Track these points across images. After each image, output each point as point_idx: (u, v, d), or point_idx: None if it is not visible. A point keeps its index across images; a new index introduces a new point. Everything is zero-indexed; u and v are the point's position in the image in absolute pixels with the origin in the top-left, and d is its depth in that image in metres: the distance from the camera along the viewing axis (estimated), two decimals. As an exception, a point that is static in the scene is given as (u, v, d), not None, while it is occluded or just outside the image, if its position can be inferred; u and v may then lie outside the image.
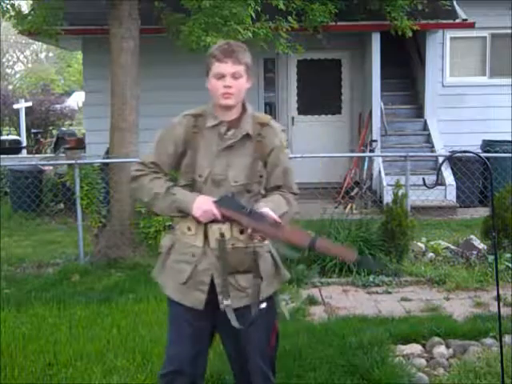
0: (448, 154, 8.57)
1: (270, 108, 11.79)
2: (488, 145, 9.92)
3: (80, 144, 13.62)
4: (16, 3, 8.25)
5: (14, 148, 17.07)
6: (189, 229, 2.66)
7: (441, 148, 10.07)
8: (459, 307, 5.28)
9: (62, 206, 9.87)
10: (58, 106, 21.01)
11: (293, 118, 11.71)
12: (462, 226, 8.42)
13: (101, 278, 6.08)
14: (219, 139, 2.65)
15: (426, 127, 10.86)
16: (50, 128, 20.93)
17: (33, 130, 19.36)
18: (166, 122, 2.80)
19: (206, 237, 2.64)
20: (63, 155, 12.04)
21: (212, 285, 2.65)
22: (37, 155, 15.72)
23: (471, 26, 10.33)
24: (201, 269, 2.65)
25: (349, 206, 9.51)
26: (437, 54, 11.02)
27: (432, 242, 6.96)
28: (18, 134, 19.29)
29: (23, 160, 13.81)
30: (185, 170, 2.69)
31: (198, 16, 7.44)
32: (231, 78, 2.60)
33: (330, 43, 10.25)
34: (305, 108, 11.76)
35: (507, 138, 10.08)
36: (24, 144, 18.07)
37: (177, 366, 2.72)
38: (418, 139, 10.83)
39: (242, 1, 7.38)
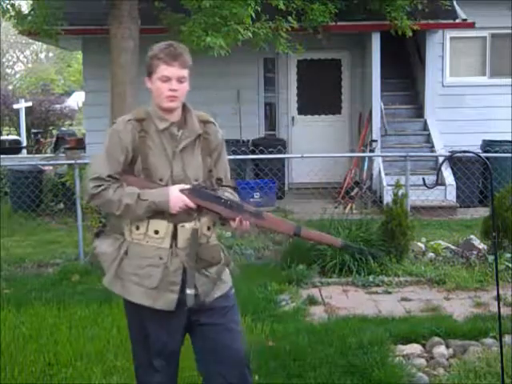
0: (448, 153, 8.57)
1: (270, 108, 11.79)
2: (488, 145, 9.92)
3: (80, 144, 13.60)
4: (16, 3, 8.26)
5: (14, 148, 17.06)
6: (156, 232, 2.63)
7: (441, 148, 10.07)
8: (459, 307, 5.27)
9: (61, 205, 9.86)
10: (58, 106, 21.00)
11: (293, 118, 11.71)
12: (462, 226, 8.42)
13: (101, 278, 6.01)
14: (172, 141, 2.66)
15: (426, 127, 10.86)
16: (50, 128, 20.92)
17: (33, 130, 19.35)
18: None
19: (173, 238, 2.64)
20: (63, 155, 12.05)
21: (182, 284, 2.65)
22: (37, 155, 15.71)
23: (471, 25, 10.34)
24: (172, 269, 2.64)
25: (349, 206, 9.50)
26: (437, 54, 11.03)
27: (432, 242, 6.96)
28: (18, 134, 19.28)
29: (23, 160, 13.80)
30: (139, 175, 2.65)
31: (198, 16, 7.45)
32: (177, 82, 2.62)
33: (330, 43, 10.25)
34: (305, 108, 11.76)
35: (507, 137, 10.08)
36: (24, 144, 18.06)
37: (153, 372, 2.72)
38: (418, 139, 10.83)
39: (242, 1, 7.38)
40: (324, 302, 5.51)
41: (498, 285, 3.35)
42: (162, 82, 2.62)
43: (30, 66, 33.21)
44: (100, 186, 2.61)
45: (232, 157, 7.64)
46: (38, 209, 9.45)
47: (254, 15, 7.54)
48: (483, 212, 8.74)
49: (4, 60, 30.74)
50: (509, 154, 8.53)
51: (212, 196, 2.63)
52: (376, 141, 10.36)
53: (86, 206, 6.77)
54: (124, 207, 2.59)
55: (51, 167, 10.38)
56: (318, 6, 9.32)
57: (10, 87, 26.48)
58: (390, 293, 5.73)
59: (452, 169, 9.82)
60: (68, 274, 6.32)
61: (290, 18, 8.44)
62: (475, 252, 6.55)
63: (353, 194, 9.90)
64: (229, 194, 2.75)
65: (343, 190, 10.11)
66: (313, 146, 10.82)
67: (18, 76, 31.76)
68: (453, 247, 6.91)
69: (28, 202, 9.31)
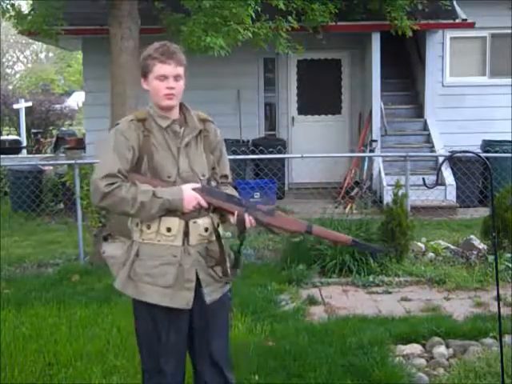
0: (448, 153, 8.57)
1: (270, 108, 11.80)
2: (488, 145, 9.92)
3: (80, 144, 13.61)
4: (16, 3, 8.24)
5: (14, 148, 17.06)
6: (168, 230, 2.63)
7: (441, 148, 10.07)
8: (459, 307, 5.28)
9: (61, 205, 9.87)
10: (58, 106, 21.01)
11: (293, 118, 11.71)
12: (462, 226, 8.42)
13: (101, 277, 6.07)
14: (175, 138, 2.69)
15: (426, 127, 10.86)
16: (50, 128, 20.92)
17: (33, 130, 19.35)
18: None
19: (185, 235, 2.65)
20: (63, 155, 12.05)
21: (196, 281, 2.67)
22: (37, 155, 15.72)
23: (471, 25, 10.34)
24: (186, 267, 2.65)
25: (349, 206, 9.51)
26: (437, 54, 11.03)
27: (432, 242, 6.96)
28: (18, 134, 19.28)
29: (23, 160, 13.80)
30: (146, 174, 2.65)
31: (198, 16, 7.44)
32: (173, 80, 2.65)
33: (330, 43, 10.26)
34: (305, 108, 11.76)
35: (507, 137, 10.08)
36: (24, 144, 18.06)
37: (162, 374, 2.72)
38: (418, 139, 10.83)
39: (242, 1, 7.38)
40: (324, 302, 5.51)
41: (497, 285, 3.35)
42: (159, 80, 2.64)
43: (29, 66, 33.21)
44: (112, 184, 2.56)
45: (232, 157, 7.65)
46: (38, 209, 9.44)
47: (253, 15, 7.53)
48: (483, 212, 8.74)
49: (4, 60, 30.73)
50: (509, 154, 8.54)
51: (224, 194, 2.67)
52: (376, 141, 10.36)
53: (85, 205, 6.77)
54: (139, 205, 2.56)
55: (51, 167, 10.38)
56: (318, 6, 9.32)
57: (10, 87, 26.48)
58: (390, 293, 5.73)
59: (452, 169, 9.83)
60: (68, 273, 6.33)
61: (289, 17, 8.43)
62: (475, 252, 6.55)
63: (353, 194, 9.90)
64: (233, 192, 2.79)
65: (343, 189, 10.11)
66: (313, 146, 10.83)
67: (18, 76, 31.76)
68: (453, 247, 6.91)
69: (28, 202, 9.32)
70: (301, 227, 2.66)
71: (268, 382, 3.84)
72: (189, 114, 2.76)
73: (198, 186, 2.64)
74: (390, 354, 4.15)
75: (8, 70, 31.64)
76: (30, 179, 9.47)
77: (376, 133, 10.46)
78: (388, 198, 8.38)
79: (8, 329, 4.76)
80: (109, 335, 4.59)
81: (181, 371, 2.78)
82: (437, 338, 4.42)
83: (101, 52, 9.17)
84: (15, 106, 18.91)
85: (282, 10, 8.17)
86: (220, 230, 2.75)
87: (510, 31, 10.90)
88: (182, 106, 2.76)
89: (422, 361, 4.17)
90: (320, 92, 11.66)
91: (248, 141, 11.02)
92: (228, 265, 2.78)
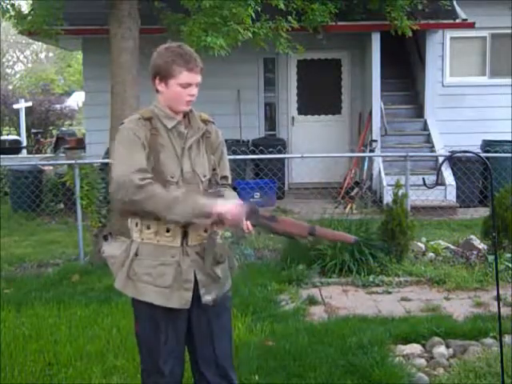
0: (448, 153, 8.57)
1: (270, 108, 11.80)
2: (488, 145, 9.92)
3: (80, 144, 13.63)
4: (16, 3, 8.24)
5: (14, 148, 17.07)
6: (167, 230, 2.63)
7: (441, 148, 10.07)
8: (459, 307, 5.28)
9: (62, 205, 9.87)
10: (58, 106, 21.02)
11: (293, 118, 11.71)
12: (462, 226, 8.42)
13: (101, 277, 6.07)
14: (180, 139, 2.69)
15: (426, 127, 10.86)
16: (50, 128, 20.94)
17: (33, 130, 19.37)
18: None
19: (184, 236, 2.65)
20: (63, 155, 12.05)
21: (195, 282, 2.67)
22: (37, 155, 15.73)
23: (471, 26, 10.34)
24: (185, 267, 2.65)
25: (349, 206, 9.51)
26: (437, 54, 11.03)
27: (432, 242, 6.96)
28: (18, 134, 19.30)
29: (23, 160, 13.82)
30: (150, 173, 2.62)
31: (198, 16, 7.44)
32: (195, 87, 2.68)
33: (330, 43, 10.26)
34: (305, 108, 11.77)
35: (507, 137, 10.08)
36: (24, 144, 18.07)
37: (161, 374, 2.71)
38: (418, 139, 10.83)
39: (242, 1, 7.38)
40: (324, 302, 5.51)
41: (498, 285, 3.35)
42: (182, 87, 2.64)
43: (29, 66, 33.23)
44: (144, 179, 2.51)
45: (232, 157, 7.65)
46: (38, 209, 9.45)
47: (253, 15, 7.53)
48: (483, 212, 8.74)
49: (4, 60, 30.74)
50: (509, 154, 8.53)
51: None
52: (376, 141, 10.36)
53: (85, 205, 6.78)
54: (172, 200, 2.50)
55: (51, 167, 10.39)
56: (318, 6, 9.32)
57: (10, 87, 26.49)
58: (390, 293, 5.73)
59: (452, 169, 9.83)
60: (68, 273, 6.33)
61: (289, 17, 8.44)
62: (475, 252, 6.55)
63: (353, 194, 9.90)
64: (233, 195, 2.80)
65: (343, 190, 10.11)
66: (313, 146, 10.83)
67: (18, 76, 31.77)
68: (453, 247, 6.91)
69: (28, 202, 9.32)
70: (304, 230, 2.65)
71: (268, 382, 3.84)
72: (192, 115, 2.76)
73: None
74: (390, 354, 4.15)
75: (8, 70, 31.65)
76: (30, 179, 9.47)
77: (376, 133, 10.47)
78: (388, 197, 8.38)
79: (8, 329, 4.76)
80: (109, 335, 4.59)
81: (179, 371, 2.78)
82: (437, 338, 4.42)
83: (101, 52, 9.17)
84: (15, 106, 18.92)
85: (282, 10, 8.18)
86: (219, 229, 2.75)
87: (510, 31, 10.90)
88: None
89: (422, 361, 4.17)
90: (320, 92, 11.66)
91: (248, 141, 11.03)
92: (227, 265, 2.78)
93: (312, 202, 9.42)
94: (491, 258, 6.18)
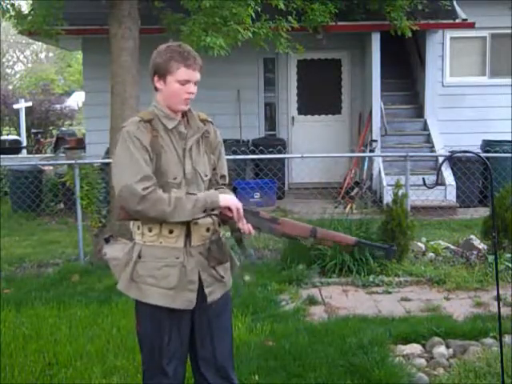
0: (448, 153, 8.57)
1: (270, 108, 11.80)
2: (488, 145, 9.92)
3: (80, 144, 13.62)
4: (16, 3, 8.24)
5: (14, 148, 17.07)
6: (170, 231, 2.63)
7: (441, 148, 10.07)
8: (459, 307, 5.28)
9: (62, 205, 9.87)
10: (57, 106, 21.02)
11: (293, 118, 11.71)
12: (462, 226, 8.42)
13: (101, 278, 6.07)
14: (181, 139, 2.69)
15: (426, 127, 10.86)
16: (50, 128, 20.94)
17: (33, 130, 19.37)
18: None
19: (187, 236, 2.65)
20: (63, 155, 12.06)
21: (198, 282, 2.68)
22: (37, 155, 15.73)
23: (471, 26, 10.34)
24: (189, 268, 2.65)
25: (349, 206, 9.51)
26: (437, 54, 11.03)
27: (432, 242, 6.96)
28: (18, 134, 19.30)
29: (23, 160, 13.82)
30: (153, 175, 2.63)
31: (198, 16, 7.44)
32: (194, 85, 2.66)
33: (330, 43, 10.26)
34: (305, 108, 11.77)
35: (507, 137, 10.08)
36: (24, 144, 18.07)
37: (164, 376, 2.71)
38: (418, 139, 10.83)
39: (242, 1, 7.38)
40: (324, 302, 5.51)
41: (498, 285, 3.35)
42: (181, 84, 2.62)
43: (30, 66, 33.23)
44: (148, 187, 2.52)
45: (232, 157, 7.67)
46: (38, 209, 9.45)
47: (254, 15, 7.53)
48: (483, 212, 8.74)
49: (4, 60, 30.75)
50: (509, 154, 8.53)
51: None
52: (376, 141, 10.36)
53: (85, 205, 6.78)
54: (174, 202, 2.52)
55: (51, 167, 10.39)
56: (318, 6, 9.32)
57: (10, 87, 26.49)
58: (390, 293, 5.73)
59: (452, 169, 9.83)
60: (68, 274, 6.33)
61: (289, 17, 8.43)
62: (475, 252, 6.55)
63: (353, 194, 9.90)
64: (232, 195, 2.79)
65: (343, 190, 10.11)
66: (313, 146, 10.84)
67: (18, 76, 31.78)
68: (453, 247, 6.91)
69: (28, 201, 9.32)
70: (305, 232, 2.65)
71: (268, 382, 3.84)
72: (191, 115, 2.75)
73: None
74: (390, 354, 4.15)
75: (8, 70, 31.66)
76: (30, 179, 9.47)
77: (376, 133, 10.47)
78: (388, 197, 8.38)
79: (8, 329, 4.76)
80: (109, 335, 4.59)
81: (182, 372, 2.78)
82: (437, 338, 4.42)
83: (101, 52, 9.18)
84: (15, 106, 18.92)
85: (282, 10, 8.17)
86: (221, 229, 2.75)
87: (510, 31, 10.90)
88: None
89: (422, 361, 4.17)
90: (320, 92, 11.66)
91: (248, 141, 11.03)
92: (229, 265, 2.79)
93: (312, 202, 9.42)
94: (491, 257, 6.18)
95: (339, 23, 9.95)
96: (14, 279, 6.30)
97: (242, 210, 2.62)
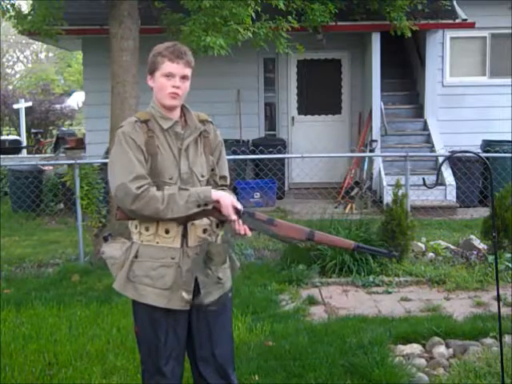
0: (448, 153, 8.57)
1: (270, 108, 11.80)
2: (488, 145, 9.92)
3: (80, 144, 13.63)
4: (16, 3, 8.24)
5: (14, 148, 17.07)
6: (167, 231, 2.63)
7: (441, 148, 10.07)
8: (459, 307, 5.28)
9: (61, 205, 9.87)
10: (57, 106, 21.02)
11: (293, 118, 11.71)
12: (462, 226, 8.42)
13: (101, 278, 6.07)
14: (177, 139, 2.68)
15: (426, 127, 10.86)
16: (50, 128, 20.94)
17: (33, 130, 19.37)
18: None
19: (183, 237, 2.65)
20: (63, 155, 12.06)
21: (195, 283, 2.67)
22: (37, 155, 15.73)
23: (471, 26, 10.34)
24: (185, 269, 2.65)
25: (349, 206, 9.52)
26: (437, 53, 11.02)
27: (432, 242, 6.96)
28: (18, 134, 19.30)
29: (23, 160, 13.82)
30: (149, 175, 2.63)
31: (198, 16, 7.44)
32: (180, 79, 2.64)
33: (330, 43, 10.26)
34: (305, 108, 11.77)
35: (507, 137, 10.08)
36: (24, 144, 18.07)
37: (162, 375, 2.71)
38: (418, 139, 10.83)
39: (242, 1, 7.37)
40: (324, 302, 5.51)
41: (497, 285, 3.35)
42: (166, 78, 2.63)
43: (30, 66, 33.22)
44: (142, 186, 2.54)
45: (232, 157, 7.67)
46: (38, 209, 9.44)
47: (254, 15, 7.53)
48: (483, 212, 8.74)
49: (4, 60, 30.74)
50: (509, 154, 8.53)
51: None
52: (376, 141, 10.36)
53: (85, 205, 6.78)
54: (168, 198, 2.53)
55: (51, 167, 10.38)
56: (318, 6, 9.32)
57: (10, 87, 26.48)
58: (390, 293, 5.73)
59: (452, 169, 9.83)
60: (68, 273, 6.33)
61: (289, 17, 8.43)
62: (475, 252, 6.55)
63: (353, 194, 9.90)
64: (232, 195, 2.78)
65: (343, 190, 10.11)
66: (313, 146, 10.84)
67: (18, 76, 31.77)
68: (453, 247, 6.91)
69: (28, 201, 9.32)
70: (302, 235, 2.64)
71: (268, 382, 3.84)
72: (189, 115, 2.75)
73: None
74: (390, 354, 4.15)
75: (8, 70, 31.65)
76: (30, 179, 9.47)
77: (376, 133, 10.47)
78: (388, 197, 8.38)
79: (8, 329, 4.76)
80: (109, 335, 4.59)
81: (180, 372, 2.78)
82: (437, 338, 4.42)
83: (101, 52, 9.18)
84: (15, 106, 18.92)
85: (282, 10, 8.17)
86: (219, 230, 2.74)
87: (510, 31, 10.90)
88: (182, 106, 2.75)
89: (422, 361, 4.17)
90: (320, 92, 11.65)
91: (248, 141, 11.03)
92: (228, 265, 2.78)
93: (312, 202, 9.41)
94: (491, 258, 6.18)
95: (339, 23, 9.95)
96: (14, 279, 6.30)
97: (231, 208, 2.58)
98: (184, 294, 2.64)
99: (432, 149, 10.41)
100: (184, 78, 2.65)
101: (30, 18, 8.21)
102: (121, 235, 2.76)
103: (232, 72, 10.94)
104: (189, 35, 7.31)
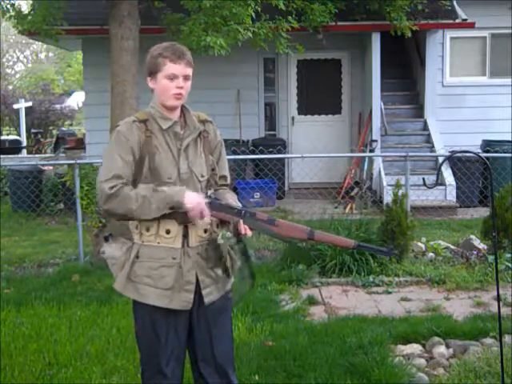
0: (448, 153, 8.57)
1: (270, 108, 11.79)
2: (488, 145, 9.92)
3: (80, 144, 13.62)
4: (16, 3, 8.24)
5: (14, 148, 17.07)
6: (167, 232, 2.63)
7: (441, 148, 10.08)
8: (459, 307, 5.28)
9: (62, 205, 9.87)
10: (57, 106, 21.02)
11: (293, 118, 11.71)
12: (462, 226, 8.42)
13: (101, 278, 6.07)
14: (176, 139, 2.68)
15: (426, 127, 10.86)
16: (50, 128, 20.94)
17: (33, 130, 19.37)
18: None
19: (184, 237, 2.64)
20: (63, 155, 12.06)
21: (196, 283, 2.67)
22: (37, 155, 15.73)
23: (471, 26, 10.34)
24: (186, 269, 2.65)
25: (349, 206, 9.51)
26: (437, 53, 11.02)
27: (432, 242, 6.95)
28: (18, 134, 19.30)
29: (23, 160, 13.82)
30: (146, 175, 2.63)
31: (198, 16, 7.44)
32: (183, 80, 2.64)
33: (330, 43, 10.25)
34: (305, 108, 11.77)
35: (507, 137, 10.08)
36: (24, 144, 18.07)
37: (162, 376, 2.71)
38: (418, 139, 10.83)
39: (242, 1, 7.38)
40: (324, 302, 5.51)
41: (497, 285, 3.35)
42: (169, 80, 2.63)
43: (30, 66, 33.22)
44: (115, 186, 2.55)
45: (232, 157, 7.67)
46: (38, 209, 9.44)
47: (254, 15, 7.54)
48: (483, 212, 8.74)
49: (4, 60, 30.74)
50: (509, 154, 8.54)
51: (223, 206, 2.64)
52: (376, 141, 10.36)
53: (85, 206, 6.78)
54: (141, 199, 2.53)
55: (51, 167, 10.39)
56: (318, 6, 9.32)
57: (10, 87, 26.48)
58: (390, 293, 5.73)
59: (452, 169, 9.83)
60: (68, 273, 6.33)
61: (289, 18, 8.44)
62: (475, 252, 6.55)
63: (353, 194, 9.90)
64: (231, 196, 2.78)
65: (343, 190, 10.11)
66: (313, 146, 10.84)
67: (18, 76, 31.76)
68: (453, 247, 6.91)
69: (28, 201, 9.32)
70: (302, 234, 2.64)
71: (268, 382, 3.84)
72: (189, 115, 2.74)
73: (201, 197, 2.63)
74: (390, 354, 4.15)
75: (8, 70, 31.64)
76: (29, 179, 9.47)
77: (376, 133, 10.47)
78: (388, 198, 8.38)
79: (8, 329, 4.76)
80: (109, 335, 4.59)
81: (180, 372, 2.78)
82: (437, 338, 4.42)
83: (101, 52, 9.18)
84: (15, 106, 18.92)
85: (282, 10, 8.18)
86: (220, 230, 2.74)
87: (510, 31, 10.90)
88: (182, 106, 2.74)
89: (422, 361, 4.17)
90: (320, 92, 11.66)
91: (248, 141, 11.03)
92: (229, 265, 2.78)
93: (312, 202, 9.41)
94: (491, 258, 6.18)
95: (339, 23, 9.95)
96: (14, 279, 6.30)
97: (197, 214, 2.57)
98: (185, 294, 2.64)
99: (432, 149, 10.41)
100: (186, 77, 2.65)
101: (29, 18, 8.21)
102: (122, 235, 2.76)
103: (232, 72, 10.94)
104: (189, 35, 7.32)
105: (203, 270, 2.68)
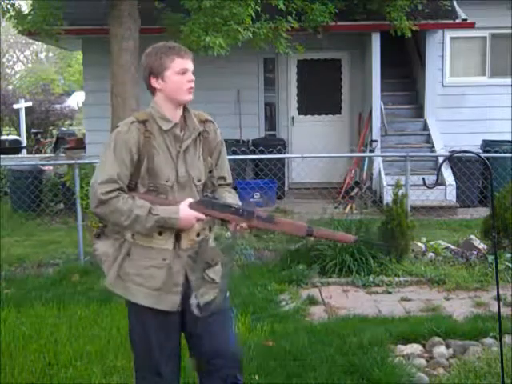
0: (448, 153, 8.57)
1: (270, 108, 11.79)
2: (488, 145, 9.92)
3: (80, 144, 13.62)
4: (16, 3, 8.26)
5: (14, 148, 17.06)
6: (160, 233, 2.62)
7: (441, 148, 10.08)
8: (459, 307, 5.28)
9: (62, 205, 9.86)
10: (57, 106, 21.01)
11: (293, 118, 11.71)
12: (462, 226, 8.42)
13: (101, 278, 6.06)
14: (175, 141, 2.67)
15: (426, 127, 10.86)
16: (50, 128, 20.92)
17: (33, 130, 19.36)
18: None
19: (176, 239, 2.64)
20: (63, 155, 12.05)
21: (184, 285, 2.66)
22: (37, 155, 15.72)
23: (471, 26, 10.34)
24: (175, 271, 2.64)
25: (349, 206, 9.51)
26: (437, 54, 11.03)
27: (432, 242, 6.95)
28: (18, 134, 19.28)
29: (23, 160, 13.80)
30: (144, 176, 2.63)
31: (198, 16, 7.45)
32: (192, 74, 2.66)
33: (330, 43, 10.26)
34: (305, 108, 11.77)
35: (507, 137, 10.08)
36: (24, 144, 18.06)
37: (156, 376, 2.70)
38: (418, 139, 10.83)
39: (242, 1, 7.38)
40: (324, 302, 5.51)
41: (497, 285, 3.35)
42: (180, 75, 2.62)
43: (30, 66, 33.21)
44: (110, 192, 2.55)
45: (232, 157, 7.66)
46: (38, 209, 9.44)
47: (254, 15, 7.54)
48: (483, 212, 8.74)
49: (4, 60, 30.73)
50: (509, 154, 8.54)
51: (221, 205, 2.63)
52: (376, 141, 10.36)
53: (85, 205, 6.77)
54: (134, 218, 2.54)
55: (51, 167, 10.38)
56: (318, 6, 9.33)
57: (10, 87, 26.47)
58: (390, 293, 5.73)
59: (452, 169, 9.83)
60: (68, 274, 6.32)
61: (289, 17, 8.44)
62: (475, 252, 6.55)
63: (353, 194, 9.90)
64: (231, 195, 2.78)
65: (343, 190, 10.11)
66: (313, 146, 10.82)
67: (18, 76, 31.75)
68: (453, 247, 6.91)
69: (28, 202, 9.31)
70: (301, 231, 2.63)
71: (268, 381, 3.84)
72: (189, 116, 2.73)
73: (194, 200, 2.62)
74: (390, 354, 4.15)
75: (8, 70, 31.64)
76: (29, 179, 9.46)
77: (376, 133, 10.47)
78: (388, 197, 8.38)
79: (8, 329, 4.76)
80: (109, 335, 4.59)
81: (175, 372, 2.77)
82: (437, 338, 4.42)
83: (101, 52, 9.19)
84: (15, 106, 18.91)
85: (282, 10, 8.19)
86: (213, 233, 2.74)
87: (510, 31, 10.89)
88: (183, 106, 2.73)
89: (422, 361, 4.17)
90: (320, 92, 11.66)
91: (248, 141, 11.03)
92: (219, 265, 2.77)
93: (312, 202, 9.41)
94: (491, 258, 6.18)
95: (339, 23, 9.95)
96: (14, 279, 6.30)
97: (201, 215, 2.58)
98: (173, 296, 2.64)
99: (432, 149, 10.41)
100: (193, 72, 2.67)
101: (29, 17, 8.23)
102: (117, 233, 2.74)
103: (232, 72, 10.94)
104: (189, 35, 7.33)
105: (195, 272, 2.67)
